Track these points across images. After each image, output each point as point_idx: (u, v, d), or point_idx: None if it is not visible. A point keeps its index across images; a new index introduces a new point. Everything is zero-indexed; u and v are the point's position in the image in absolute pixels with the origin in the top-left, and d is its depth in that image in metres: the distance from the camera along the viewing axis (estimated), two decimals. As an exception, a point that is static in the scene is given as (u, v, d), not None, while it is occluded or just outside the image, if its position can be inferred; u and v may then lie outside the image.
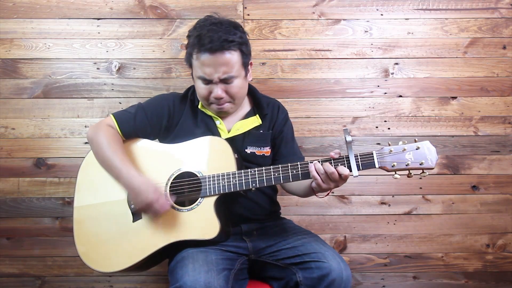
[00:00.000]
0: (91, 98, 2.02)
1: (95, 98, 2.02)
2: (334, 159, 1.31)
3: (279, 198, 1.68)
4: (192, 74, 1.50)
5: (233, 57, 1.40)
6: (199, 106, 1.53)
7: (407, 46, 2.03)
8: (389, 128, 2.03)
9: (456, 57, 2.03)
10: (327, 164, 1.29)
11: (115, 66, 2.02)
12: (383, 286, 2.06)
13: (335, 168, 1.28)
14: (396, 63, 2.03)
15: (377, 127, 2.03)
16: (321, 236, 1.99)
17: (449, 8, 2.03)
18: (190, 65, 1.48)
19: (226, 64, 1.39)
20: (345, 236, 2.05)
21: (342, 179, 1.29)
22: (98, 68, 2.02)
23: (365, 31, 2.03)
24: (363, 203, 2.04)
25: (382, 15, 2.03)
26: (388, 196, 2.04)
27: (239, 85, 1.45)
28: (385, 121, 2.03)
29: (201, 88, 1.45)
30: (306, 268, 1.34)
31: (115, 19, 2.02)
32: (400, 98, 2.04)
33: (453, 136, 2.04)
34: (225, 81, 1.41)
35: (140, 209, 1.38)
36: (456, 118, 2.04)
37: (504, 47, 2.03)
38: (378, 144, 2.03)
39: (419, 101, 2.04)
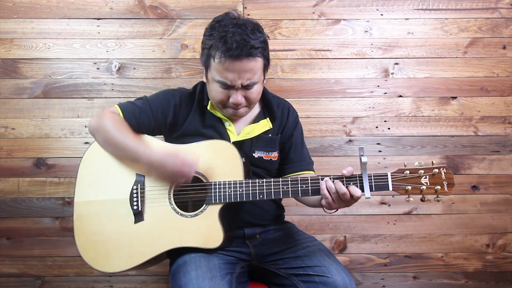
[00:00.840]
0: (91, 98, 2.02)
1: (95, 98, 2.02)
2: (346, 177, 1.25)
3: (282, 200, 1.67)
4: (206, 75, 1.42)
5: (257, 64, 1.34)
6: (208, 107, 1.46)
7: (407, 46, 2.03)
8: (389, 128, 2.03)
9: (456, 57, 2.03)
10: (339, 184, 1.24)
11: (115, 66, 2.02)
12: (383, 286, 2.06)
13: (347, 188, 1.23)
14: (396, 63, 2.03)
15: (377, 127, 2.03)
16: (321, 236, 2.02)
17: (449, 8, 2.03)
18: (207, 66, 1.39)
19: (250, 71, 1.33)
20: (345, 236, 2.05)
21: (354, 199, 1.23)
22: (98, 68, 2.02)
23: (365, 31, 2.03)
24: (363, 203, 2.04)
25: (382, 15, 2.03)
26: (388, 196, 2.04)
27: (257, 91, 1.40)
28: (385, 121, 2.03)
29: (218, 92, 1.37)
30: (309, 281, 1.30)
31: (115, 19, 2.02)
32: (400, 98, 2.04)
33: (453, 136, 2.04)
34: (246, 87, 1.35)
35: (171, 179, 1.34)
36: (456, 118, 2.04)
37: (504, 47, 2.03)
38: (378, 144, 2.03)
39: (419, 101, 2.04)
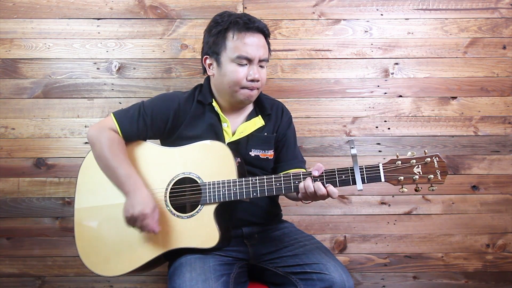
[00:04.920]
0: (91, 98, 2.02)
1: (95, 98, 2.02)
2: (338, 170, 1.26)
3: (279, 199, 1.68)
4: (217, 61, 1.43)
5: (266, 45, 1.46)
6: (213, 103, 1.48)
7: (407, 46, 2.03)
8: (389, 128, 2.03)
9: (456, 57, 2.03)
10: (317, 184, 1.25)
11: (115, 66, 2.02)
12: (383, 286, 2.06)
13: (325, 188, 1.24)
14: (396, 63, 2.03)
15: (377, 127, 2.03)
16: (321, 236, 2.02)
17: (449, 8, 2.03)
18: (219, 51, 1.42)
19: (264, 47, 1.44)
20: (345, 236, 2.05)
21: (329, 197, 1.26)
22: (98, 68, 2.02)
23: (365, 31, 2.03)
24: (363, 203, 2.04)
25: (382, 15, 2.03)
26: (388, 196, 2.04)
27: (265, 74, 1.47)
28: (385, 121, 2.03)
29: (235, 72, 1.40)
30: (307, 279, 1.32)
31: (115, 19, 2.02)
32: (400, 98, 2.04)
33: (453, 136, 2.04)
34: (261, 63, 1.43)
35: (131, 217, 1.32)
36: (456, 118, 2.04)
37: (504, 47, 2.03)
38: (378, 144, 2.03)
39: (419, 101, 2.04)
